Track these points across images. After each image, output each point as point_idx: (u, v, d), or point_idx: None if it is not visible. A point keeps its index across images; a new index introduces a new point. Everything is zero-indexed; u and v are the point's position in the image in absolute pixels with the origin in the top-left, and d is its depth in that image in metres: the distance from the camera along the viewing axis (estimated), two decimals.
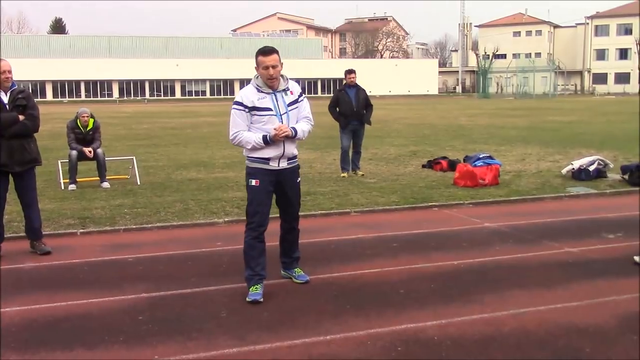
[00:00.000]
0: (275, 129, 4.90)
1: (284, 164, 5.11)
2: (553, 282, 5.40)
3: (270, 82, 4.93)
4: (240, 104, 4.97)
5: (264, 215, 5.10)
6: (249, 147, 4.99)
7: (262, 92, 4.98)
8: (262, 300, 4.94)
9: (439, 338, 4.23)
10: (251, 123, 4.99)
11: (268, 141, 4.94)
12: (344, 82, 11.42)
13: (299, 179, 5.35)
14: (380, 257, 6.30)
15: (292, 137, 5.03)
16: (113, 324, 4.55)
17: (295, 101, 5.11)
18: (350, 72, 11.34)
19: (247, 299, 4.94)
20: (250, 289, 5.02)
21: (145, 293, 5.24)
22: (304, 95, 5.22)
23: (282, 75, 5.03)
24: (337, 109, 11.35)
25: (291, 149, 5.11)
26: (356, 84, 11.36)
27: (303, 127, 5.13)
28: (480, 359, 3.91)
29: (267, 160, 5.03)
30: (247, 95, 4.98)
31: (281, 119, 4.98)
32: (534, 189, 10.02)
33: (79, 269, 5.99)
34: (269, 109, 4.96)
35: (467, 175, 10.26)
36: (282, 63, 4.97)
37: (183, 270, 5.91)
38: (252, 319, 4.62)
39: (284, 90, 5.05)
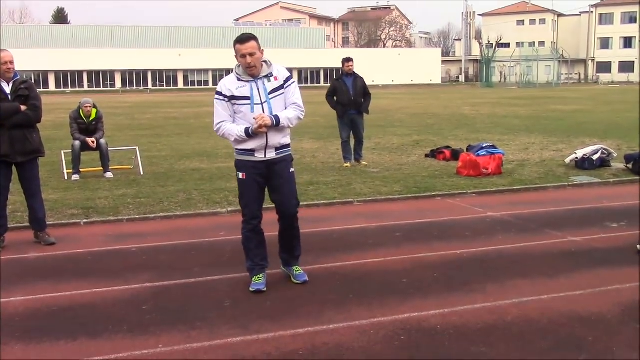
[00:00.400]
0: (255, 118, 4.72)
1: (271, 155, 4.89)
2: (556, 271, 5.40)
3: (249, 70, 4.76)
4: (220, 93, 4.85)
5: (254, 208, 4.99)
6: (232, 140, 4.86)
7: (241, 80, 4.81)
8: (265, 289, 4.93)
9: (441, 327, 4.24)
10: (235, 113, 4.86)
11: (250, 134, 4.76)
12: (342, 70, 11.34)
13: (292, 169, 5.07)
14: (383, 246, 6.30)
15: (274, 126, 4.77)
16: (117, 314, 4.57)
17: (280, 87, 4.86)
18: (347, 60, 11.23)
19: (250, 289, 4.93)
20: (253, 279, 5.01)
21: (149, 283, 5.25)
22: (292, 80, 4.95)
23: (265, 61, 4.83)
24: (335, 98, 11.26)
25: (277, 138, 4.86)
26: (354, 72, 11.24)
27: (288, 115, 4.85)
28: (483, 348, 3.92)
29: (251, 151, 4.86)
30: (227, 84, 4.85)
31: (261, 108, 4.76)
32: (537, 178, 10.01)
33: (82, 259, 6.01)
34: (247, 97, 4.79)
35: (470, 164, 10.25)
36: (262, 50, 4.78)
37: (186, 260, 5.92)
38: (256, 308, 4.64)
39: (267, 77, 4.83)
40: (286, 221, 5.12)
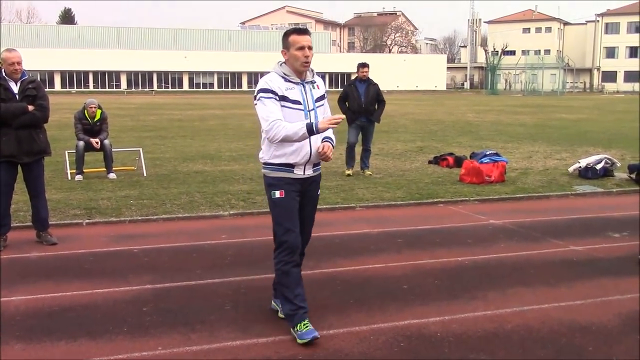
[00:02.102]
0: (329, 120, 4.01)
1: (309, 172, 4.27)
2: (557, 280, 5.40)
3: (304, 66, 4.11)
4: (270, 91, 4.07)
5: (296, 234, 4.21)
6: (293, 139, 4.05)
7: (289, 81, 4.14)
8: (318, 336, 4.10)
9: (441, 334, 4.24)
10: None
11: (316, 130, 4.02)
12: (356, 75, 11.01)
13: (319, 191, 4.52)
14: (385, 252, 6.30)
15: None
16: (117, 315, 4.58)
17: (322, 97, 4.31)
18: (363, 65, 10.86)
19: (300, 340, 4.07)
20: (299, 327, 4.13)
21: (150, 284, 5.26)
22: (326, 96, 4.42)
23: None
24: (347, 103, 10.97)
25: (316, 153, 4.26)
26: (368, 78, 10.90)
27: (333, 136, 4.37)
28: (482, 356, 3.92)
29: (291, 167, 4.18)
30: (275, 82, 4.11)
31: (309, 115, 4.14)
32: (540, 187, 10.00)
33: (84, 259, 6.02)
34: (299, 102, 4.12)
35: (473, 171, 10.25)
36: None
37: (188, 262, 5.93)
38: (256, 312, 4.64)
39: (311, 83, 4.25)
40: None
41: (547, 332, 4.29)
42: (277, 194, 4.19)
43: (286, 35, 4.18)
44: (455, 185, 10.03)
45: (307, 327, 4.14)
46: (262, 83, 4.15)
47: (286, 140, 4.06)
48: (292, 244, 4.20)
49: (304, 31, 4.17)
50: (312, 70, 4.28)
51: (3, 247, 6.30)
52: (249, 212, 8.04)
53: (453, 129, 21.63)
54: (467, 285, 5.25)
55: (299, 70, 4.15)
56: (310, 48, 4.12)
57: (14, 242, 6.46)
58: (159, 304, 4.81)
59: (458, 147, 15.06)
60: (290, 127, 4.01)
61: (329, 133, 4.33)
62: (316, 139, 4.21)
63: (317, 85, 4.29)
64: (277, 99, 4.07)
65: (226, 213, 7.96)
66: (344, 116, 4.15)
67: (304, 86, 4.18)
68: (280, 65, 4.20)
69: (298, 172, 4.21)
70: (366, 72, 10.85)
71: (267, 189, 4.27)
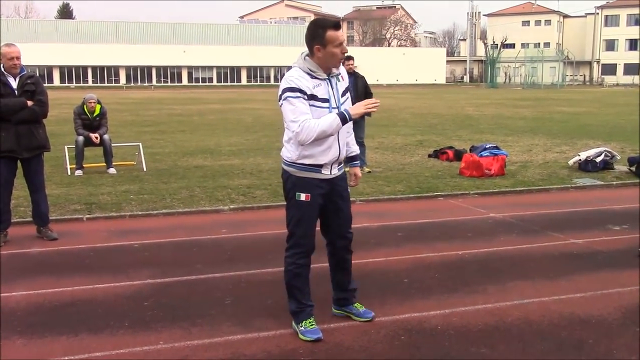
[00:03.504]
0: (365, 104, 3.87)
1: (335, 171, 4.11)
2: (557, 273, 5.40)
3: (339, 62, 3.95)
4: (299, 90, 3.81)
5: (313, 237, 4.13)
6: (328, 133, 3.85)
7: (316, 77, 3.90)
8: (322, 337, 4.06)
9: (442, 328, 4.25)
10: None
11: (348, 119, 3.87)
12: None
13: (349, 188, 4.34)
14: (385, 246, 6.31)
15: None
16: (118, 310, 4.59)
17: (347, 90, 4.11)
18: (348, 58, 10.44)
19: (304, 337, 4.05)
20: (304, 324, 4.11)
21: (151, 279, 5.27)
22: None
23: None
24: None
25: (345, 152, 4.15)
26: (354, 71, 10.69)
27: (357, 147, 4.35)
28: (483, 349, 3.92)
29: (319, 167, 4.00)
30: (302, 80, 3.85)
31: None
32: (540, 180, 10.00)
33: (85, 254, 6.02)
34: (327, 100, 3.90)
35: (473, 165, 10.25)
36: None
37: (188, 256, 5.93)
38: (257, 306, 4.64)
39: (336, 76, 4.03)
40: (342, 250, 4.32)
41: (547, 325, 4.30)
42: (303, 196, 4.02)
43: (322, 29, 3.86)
44: (455, 178, 10.03)
45: (312, 325, 4.12)
46: (287, 81, 3.87)
47: (320, 137, 3.84)
48: (310, 248, 4.14)
49: (339, 25, 3.93)
50: None
51: (4, 242, 6.30)
52: (249, 207, 8.04)
53: (453, 122, 21.62)
54: (468, 279, 5.26)
55: (332, 66, 3.94)
56: (345, 42, 3.92)
57: (14, 238, 6.47)
58: (159, 298, 4.82)
59: (458, 141, 15.06)
60: (322, 122, 3.81)
61: (357, 149, 4.31)
62: (344, 137, 4.08)
63: (342, 76, 4.07)
64: (306, 98, 3.83)
65: (226, 207, 7.96)
66: (379, 101, 3.95)
67: (330, 81, 3.97)
68: (305, 59, 3.93)
69: (325, 172, 4.05)
70: (352, 64, 10.59)
71: (292, 189, 4.06)
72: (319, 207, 4.10)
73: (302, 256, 4.12)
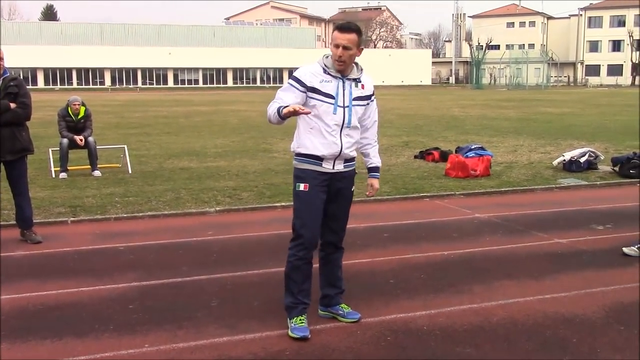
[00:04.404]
0: (295, 107, 3.90)
1: (339, 167, 4.20)
2: (542, 273, 5.44)
3: (337, 64, 4.06)
4: (298, 80, 4.07)
5: (315, 229, 4.19)
6: (270, 118, 4.08)
7: (328, 73, 4.09)
8: (310, 336, 4.12)
9: (428, 328, 4.26)
10: (306, 107, 4.05)
11: (280, 114, 3.97)
12: None
13: (354, 187, 4.40)
14: (371, 247, 6.32)
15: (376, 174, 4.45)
16: (103, 313, 4.56)
17: (365, 98, 4.22)
18: None
19: (292, 334, 4.11)
20: (294, 321, 4.17)
21: (136, 282, 5.24)
22: (375, 99, 4.35)
23: (356, 64, 4.20)
24: None
25: (350, 149, 4.21)
26: None
27: (379, 159, 4.47)
28: (468, 349, 3.94)
29: (319, 160, 4.12)
30: (310, 73, 4.09)
31: (343, 111, 4.10)
32: (525, 180, 10.07)
33: (69, 258, 5.98)
34: (330, 96, 4.07)
35: (458, 166, 10.30)
36: (361, 49, 4.10)
37: (174, 259, 5.91)
38: (243, 308, 4.64)
39: (355, 80, 4.17)
40: (332, 248, 4.39)
41: (531, 324, 4.32)
42: (302, 186, 4.16)
43: (333, 29, 4.17)
44: (441, 179, 10.07)
45: (302, 322, 4.17)
46: (297, 71, 4.17)
47: (269, 120, 4.09)
48: (308, 240, 4.17)
49: (346, 29, 4.05)
50: (361, 70, 4.22)
51: None
52: (235, 209, 8.02)
53: (438, 123, 21.70)
54: (453, 279, 5.28)
55: (335, 65, 4.08)
56: (345, 48, 4.01)
57: None
58: (145, 301, 4.80)
59: (443, 142, 15.12)
60: (271, 108, 4.04)
61: (378, 161, 4.46)
62: (349, 135, 4.17)
63: (362, 85, 4.20)
64: (302, 90, 4.05)
65: (212, 209, 7.94)
66: (310, 111, 4.04)
67: (343, 82, 4.12)
68: (326, 57, 4.15)
69: (327, 166, 4.15)
70: None
71: (294, 180, 4.22)
72: (321, 200, 4.18)
73: (301, 248, 4.17)
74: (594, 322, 4.38)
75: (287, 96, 4.05)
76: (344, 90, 4.11)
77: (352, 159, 4.29)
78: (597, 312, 4.54)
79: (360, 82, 4.20)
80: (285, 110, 3.92)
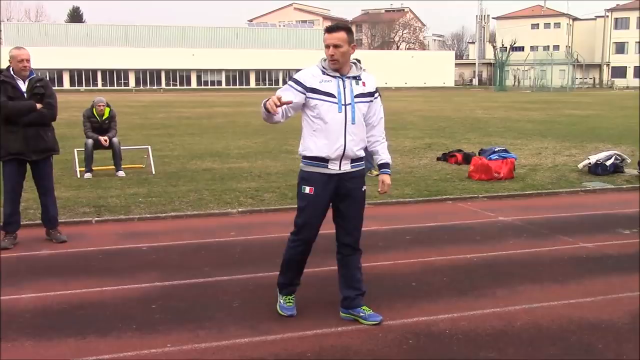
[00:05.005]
0: (279, 98, 3.97)
1: (346, 167, 4.23)
2: (566, 277, 5.37)
3: (331, 63, 4.15)
4: (298, 82, 4.17)
5: (314, 229, 4.33)
6: (263, 116, 4.12)
7: (327, 74, 4.19)
8: (295, 314, 4.47)
9: (450, 331, 4.23)
10: (307, 108, 4.20)
11: (265, 107, 4.01)
12: None
13: (365, 187, 4.43)
14: (393, 249, 6.29)
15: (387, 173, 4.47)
16: (126, 312, 4.59)
17: (367, 94, 4.28)
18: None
19: (280, 312, 4.48)
20: (284, 300, 4.52)
21: (159, 282, 5.27)
22: (379, 96, 4.42)
23: (355, 62, 4.31)
24: None
25: (355, 149, 4.24)
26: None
27: (388, 155, 4.50)
28: (491, 353, 3.90)
29: (324, 161, 4.18)
30: (310, 74, 4.20)
31: (345, 109, 4.17)
32: (550, 183, 9.96)
33: (93, 257, 6.04)
34: (331, 95, 4.15)
35: (482, 168, 10.21)
36: (353, 45, 4.19)
37: (196, 259, 5.94)
38: (264, 309, 4.64)
39: (355, 78, 4.25)
40: (349, 250, 4.42)
41: (556, 329, 4.27)
42: (307, 189, 4.25)
43: (324, 32, 4.27)
44: (464, 182, 10.00)
45: (290, 302, 4.52)
46: (297, 73, 4.28)
47: (264, 119, 4.14)
48: (308, 238, 4.34)
49: (334, 29, 4.19)
50: (360, 67, 4.32)
51: (13, 244, 6.33)
52: (258, 210, 8.04)
53: (461, 125, 21.56)
54: (476, 283, 5.23)
55: (330, 65, 4.19)
56: (336, 46, 4.11)
57: (23, 240, 6.49)
58: (167, 301, 4.82)
59: (466, 144, 15.02)
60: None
61: (387, 158, 4.48)
62: (353, 133, 4.22)
63: (363, 82, 4.29)
64: (301, 90, 4.15)
65: (234, 210, 7.97)
66: (290, 101, 4.08)
67: (343, 80, 4.21)
68: (324, 60, 4.25)
69: (333, 167, 4.22)
70: None
71: (300, 182, 4.32)
72: (326, 203, 4.29)
73: (300, 243, 4.36)
74: (620, 327, 4.31)
75: (286, 95, 4.09)
76: (344, 88, 4.19)
77: (360, 159, 4.33)
78: (622, 318, 4.47)
79: (360, 79, 4.27)
80: (268, 104, 3.96)
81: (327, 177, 4.21)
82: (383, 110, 4.46)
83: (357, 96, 4.22)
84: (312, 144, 4.19)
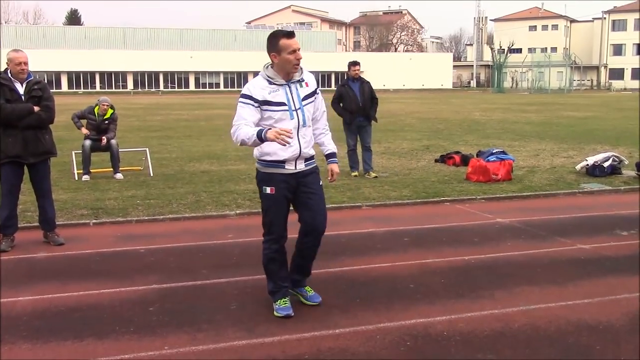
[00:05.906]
0: (278, 132, 4.07)
1: (301, 166, 4.46)
2: (564, 279, 5.37)
3: (295, 69, 4.31)
4: (249, 97, 4.29)
5: (282, 226, 4.54)
6: (250, 143, 4.21)
7: (274, 83, 4.32)
8: (293, 314, 4.53)
9: (448, 333, 4.23)
10: (262, 120, 4.33)
11: (262, 138, 4.13)
12: (347, 75, 10.79)
13: (321, 182, 4.65)
14: (391, 251, 6.29)
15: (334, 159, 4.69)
16: (124, 315, 4.59)
17: (312, 94, 4.48)
18: (354, 64, 10.63)
19: (277, 314, 4.53)
20: (278, 302, 4.59)
21: (156, 284, 5.27)
22: (319, 90, 4.61)
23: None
24: (341, 104, 10.71)
25: (308, 149, 4.47)
26: (360, 77, 10.73)
27: (332, 144, 4.72)
28: (489, 355, 3.90)
29: (282, 163, 4.39)
30: (257, 87, 4.32)
31: (296, 114, 4.35)
32: (547, 185, 9.97)
33: (91, 259, 6.03)
34: (282, 104, 4.30)
35: (479, 170, 10.22)
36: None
37: (194, 262, 5.93)
38: (262, 311, 4.64)
39: (299, 82, 4.42)
40: (312, 240, 4.61)
41: (554, 331, 4.27)
42: (268, 190, 4.45)
43: (275, 38, 4.32)
44: (462, 183, 10.01)
45: (285, 303, 4.57)
46: (245, 88, 4.39)
47: (244, 144, 4.25)
48: (279, 235, 4.54)
49: (292, 34, 4.36)
50: (301, 68, 4.45)
51: (10, 247, 6.32)
52: (256, 212, 8.02)
53: (459, 127, 21.58)
54: (474, 284, 5.23)
55: (289, 72, 4.34)
56: (299, 49, 4.31)
57: (21, 243, 6.49)
58: (165, 304, 4.82)
59: (464, 146, 15.03)
60: (246, 132, 4.19)
61: (333, 147, 4.71)
62: (305, 135, 4.44)
63: (306, 82, 4.47)
64: (256, 105, 4.30)
65: (232, 212, 7.96)
66: (289, 140, 4.13)
67: (289, 87, 4.38)
68: (267, 68, 4.39)
69: (289, 167, 4.43)
70: (358, 70, 10.66)
71: (259, 183, 4.52)
72: (287, 200, 4.50)
73: (273, 242, 4.56)
74: (618, 329, 4.31)
75: (248, 114, 4.28)
76: (292, 94, 4.38)
77: (312, 157, 4.56)
78: (620, 319, 4.47)
79: (303, 81, 4.45)
80: (271, 136, 4.06)
81: (285, 177, 4.43)
82: (324, 102, 4.67)
83: (304, 99, 4.42)
84: (269, 148, 4.34)
